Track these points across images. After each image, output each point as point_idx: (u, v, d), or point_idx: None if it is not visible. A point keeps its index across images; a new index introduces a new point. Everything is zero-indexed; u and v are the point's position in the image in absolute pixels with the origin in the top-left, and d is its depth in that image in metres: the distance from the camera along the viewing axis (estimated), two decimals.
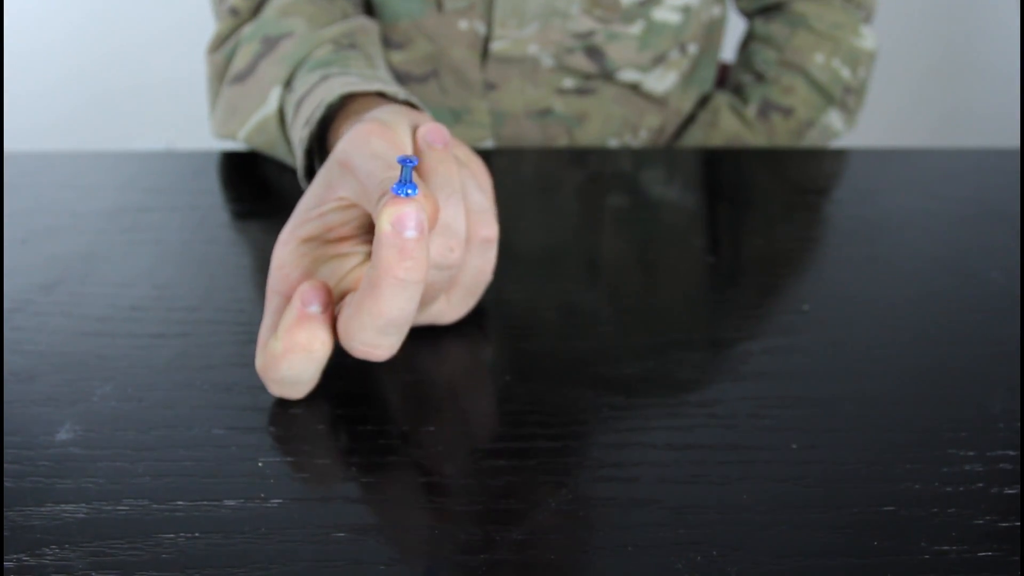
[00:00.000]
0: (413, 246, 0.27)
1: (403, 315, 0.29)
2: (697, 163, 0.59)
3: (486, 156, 0.57)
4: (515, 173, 0.55)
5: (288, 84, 0.50)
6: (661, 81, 0.68)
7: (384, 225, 0.27)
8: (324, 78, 0.46)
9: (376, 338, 0.30)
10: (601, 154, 0.59)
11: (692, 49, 0.69)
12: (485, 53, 0.64)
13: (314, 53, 0.50)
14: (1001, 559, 0.27)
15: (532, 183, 0.54)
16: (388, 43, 0.64)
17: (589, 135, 0.68)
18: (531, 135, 0.68)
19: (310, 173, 0.45)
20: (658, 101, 0.69)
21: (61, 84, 1.80)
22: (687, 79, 0.71)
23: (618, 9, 0.62)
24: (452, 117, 0.66)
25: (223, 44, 0.55)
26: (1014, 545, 0.27)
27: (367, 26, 0.55)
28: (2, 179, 0.52)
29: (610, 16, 0.62)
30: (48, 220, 0.48)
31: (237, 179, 0.54)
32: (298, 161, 0.44)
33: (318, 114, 0.42)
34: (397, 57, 0.64)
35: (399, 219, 0.27)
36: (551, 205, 0.50)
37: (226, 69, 0.55)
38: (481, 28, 0.62)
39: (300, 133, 0.44)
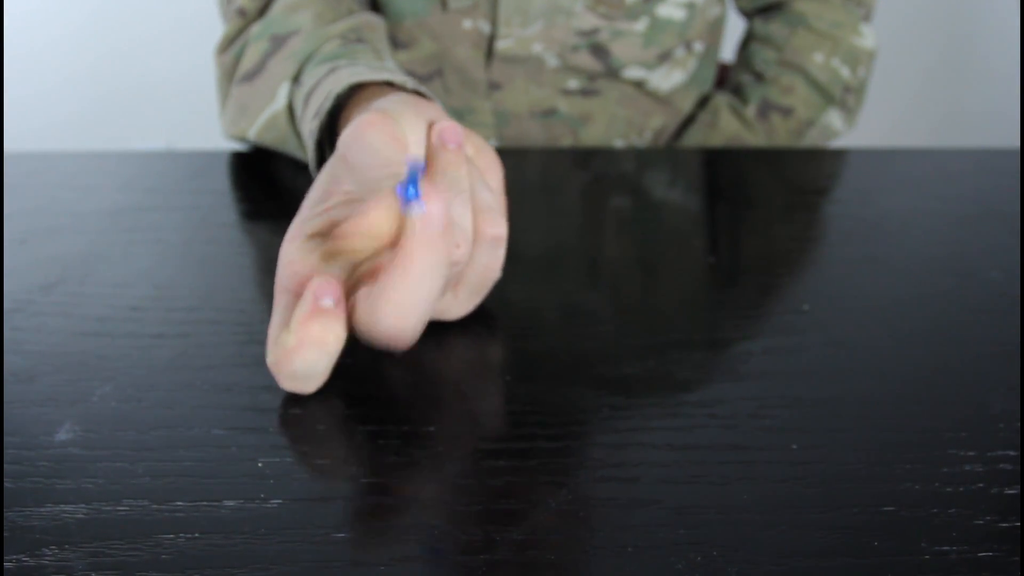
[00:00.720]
0: (440, 234, 0.29)
1: (431, 294, 0.30)
2: (697, 163, 0.59)
3: None
4: (518, 173, 0.55)
5: (296, 79, 0.50)
6: (667, 79, 0.68)
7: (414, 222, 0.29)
8: (332, 70, 0.46)
9: (407, 311, 0.30)
10: (602, 154, 0.59)
11: (698, 47, 0.68)
12: (490, 52, 0.63)
13: (322, 48, 0.50)
14: (1001, 559, 0.27)
15: (534, 183, 0.54)
16: (393, 42, 0.64)
17: (593, 136, 0.68)
18: (535, 135, 0.68)
19: (322, 165, 0.45)
20: (663, 100, 0.69)
21: (61, 85, 1.80)
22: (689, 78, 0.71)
23: (622, 6, 0.62)
24: (456, 117, 0.66)
25: (231, 44, 0.55)
26: (1014, 545, 0.27)
27: (374, 22, 0.55)
28: (2, 179, 0.52)
29: (614, 13, 0.62)
30: (48, 220, 0.48)
31: (237, 179, 0.54)
32: (309, 153, 0.44)
33: (327, 105, 0.42)
34: (401, 57, 0.64)
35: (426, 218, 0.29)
36: (552, 205, 0.50)
37: (235, 69, 0.55)
38: (485, 27, 0.62)
39: (310, 125, 0.44)
